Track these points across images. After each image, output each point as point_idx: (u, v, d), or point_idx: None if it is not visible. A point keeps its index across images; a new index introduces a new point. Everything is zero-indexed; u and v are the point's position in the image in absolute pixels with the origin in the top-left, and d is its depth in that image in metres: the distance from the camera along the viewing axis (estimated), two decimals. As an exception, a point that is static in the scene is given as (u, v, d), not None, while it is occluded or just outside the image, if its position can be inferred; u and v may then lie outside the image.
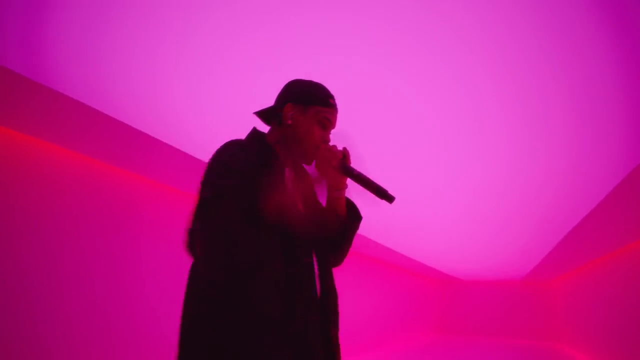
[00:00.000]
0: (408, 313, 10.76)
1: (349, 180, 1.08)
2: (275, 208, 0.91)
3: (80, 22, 1.55)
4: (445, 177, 3.29)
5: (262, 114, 1.16)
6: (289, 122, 1.07)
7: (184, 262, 1.03)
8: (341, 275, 5.87)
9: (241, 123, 2.36)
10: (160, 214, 3.59)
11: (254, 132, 1.14)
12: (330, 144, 1.12)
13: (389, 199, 1.00)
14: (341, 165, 1.05)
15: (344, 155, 1.07)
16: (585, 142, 2.48)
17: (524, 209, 4.09)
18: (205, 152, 2.83)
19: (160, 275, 3.56)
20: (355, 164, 1.09)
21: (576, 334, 8.66)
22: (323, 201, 1.14)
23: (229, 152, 1.00)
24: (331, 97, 1.11)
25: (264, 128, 1.17)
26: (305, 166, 1.15)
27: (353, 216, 1.15)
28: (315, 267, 1.02)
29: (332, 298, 1.05)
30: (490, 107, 2.17)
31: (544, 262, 7.80)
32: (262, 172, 0.95)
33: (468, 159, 2.91)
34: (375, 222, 4.99)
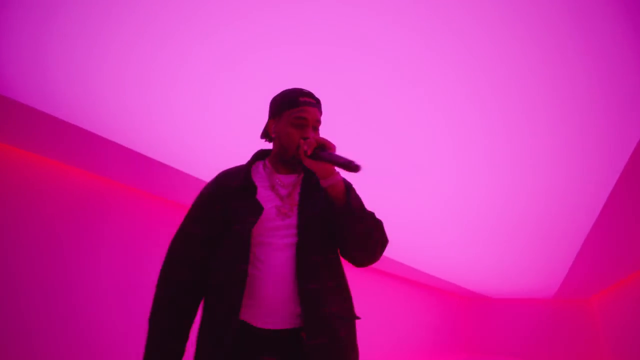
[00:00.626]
0: (438, 332, 10.37)
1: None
2: None
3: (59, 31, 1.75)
4: (465, 194, 3.31)
5: (264, 137, 1.30)
6: (273, 135, 1.19)
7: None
8: (369, 295, 5.81)
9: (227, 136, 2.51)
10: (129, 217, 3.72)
11: (254, 155, 1.29)
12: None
13: (355, 169, 0.98)
14: (314, 154, 1.05)
15: (319, 143, 1.06)
16: (604, 142, 2.42)
17: (542, 218, 3.96)
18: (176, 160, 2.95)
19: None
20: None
21: (620, 357, 7.98)
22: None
23: (203, 190, 1.24)
24: (301, 95, 1.14)
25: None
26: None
27: (350, 195, 1.07)
28: (295, 269, 1.05)
29: (309, 304, 1.01)
30: (512, 123, 2.21)
31: (573, 274, 7.36)
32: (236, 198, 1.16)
33: (490, 176, 2.92)
34: (403, 243, 4.99)
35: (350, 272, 5.88)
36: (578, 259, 5.76)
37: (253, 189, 1.13)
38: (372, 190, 3.55)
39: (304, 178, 1.19)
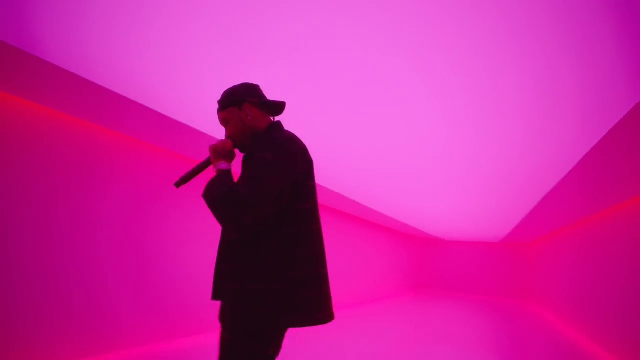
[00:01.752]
0: (392, 270, 11.34)
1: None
2: None
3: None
4: (428, 142, 3.37)
5: None
6: None
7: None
8: (329, 234, 6.17)
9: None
10: (130, 167, 3.77)
11: None
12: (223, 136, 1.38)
13: (177, 184, 1.28)
14: None
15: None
16: (565, 113, 2.58)
17: (504, 173, 4.25)
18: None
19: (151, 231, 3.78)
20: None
21: (546, 293, 9.26)
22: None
23: None
24: None
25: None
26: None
27: (210, 183, 1.21)
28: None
29: (217, 278, 1.26)
30: (476, 75, 2.18)
31: (520, 226, 8.17)
32: None
33: (452, 125, 2.96)
34: (363, 185, 5.20)
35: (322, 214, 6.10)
36: (532, 213, 6.38)
37: None
38: (346, 145, 3.64)
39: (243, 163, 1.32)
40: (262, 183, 1.10)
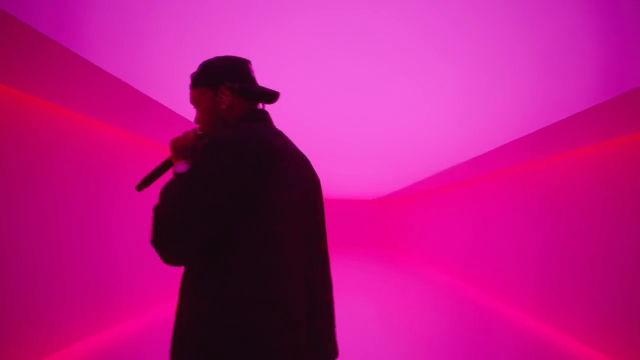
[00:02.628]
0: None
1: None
2: None
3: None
4: (321, 105, 3.10)
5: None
6: None
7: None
8: None
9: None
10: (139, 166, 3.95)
11: None
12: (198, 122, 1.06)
13: (138, 187, 1.02)
14: None
15: None
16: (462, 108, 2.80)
17: (396, 145, 4.49)
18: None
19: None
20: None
21: (414, 244, 11.18)
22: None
23: None
24: None
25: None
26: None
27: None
28: None
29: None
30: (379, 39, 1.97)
31: (400, 192, 9.63)
32: None
33: (354, 87, 2.70)
34: None
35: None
36: (410, 186, 7.68)
37: None
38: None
39: None
40: (189, 199, 0.80)
